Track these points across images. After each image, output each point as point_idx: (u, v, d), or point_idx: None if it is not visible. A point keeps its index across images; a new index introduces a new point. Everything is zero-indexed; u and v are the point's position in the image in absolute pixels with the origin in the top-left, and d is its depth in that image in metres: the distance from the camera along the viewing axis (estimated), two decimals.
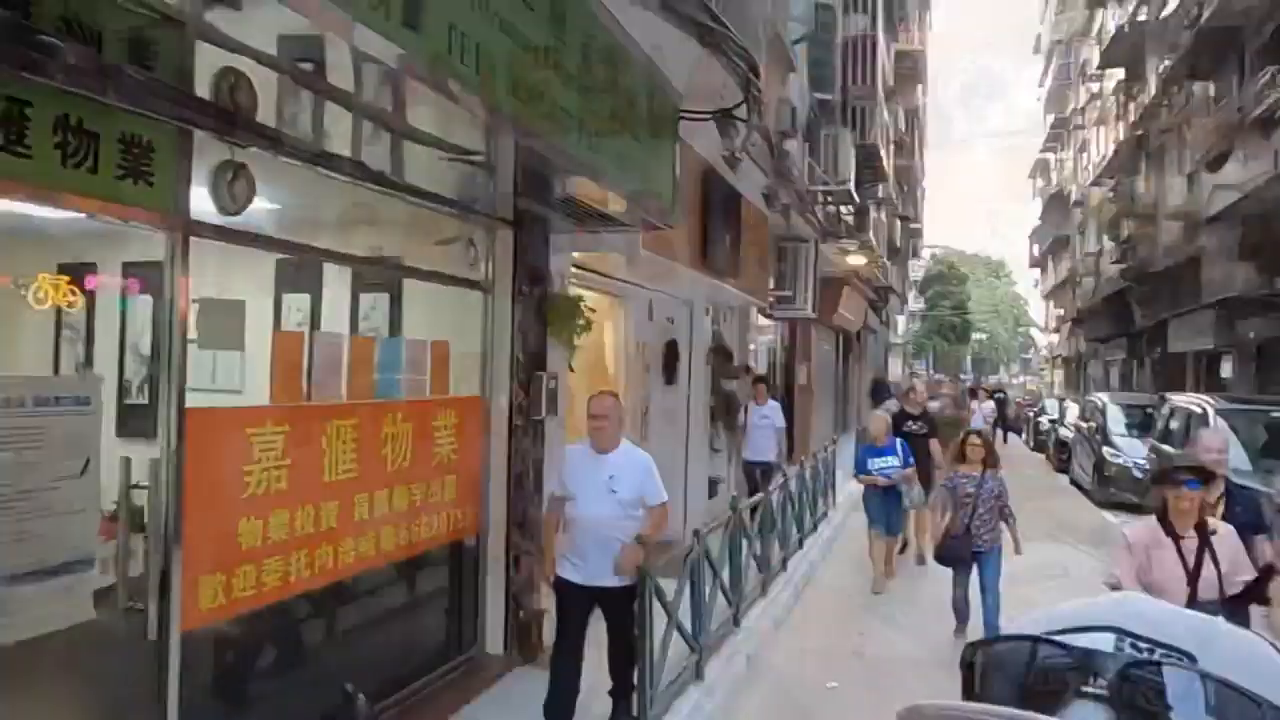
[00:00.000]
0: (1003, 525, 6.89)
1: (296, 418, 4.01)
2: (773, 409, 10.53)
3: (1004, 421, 21.90)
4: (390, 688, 4.81)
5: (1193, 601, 3.79)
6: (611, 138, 5.05)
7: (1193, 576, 3.89)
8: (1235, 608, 3.97)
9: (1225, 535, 4.02)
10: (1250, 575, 3.99)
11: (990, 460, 6.99)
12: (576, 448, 4.93)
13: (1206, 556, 3.91)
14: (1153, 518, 4.10)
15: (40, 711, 3.13)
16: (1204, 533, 3.96)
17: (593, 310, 6.32)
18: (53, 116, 2.85)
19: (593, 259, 7.02)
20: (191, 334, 3.38)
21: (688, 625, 5.51)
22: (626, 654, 4.77)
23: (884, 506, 8.65)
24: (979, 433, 7.57)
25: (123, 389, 3.91)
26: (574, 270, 6.69)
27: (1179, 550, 3.92)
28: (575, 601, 4.65)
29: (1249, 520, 4.60)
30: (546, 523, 5.04)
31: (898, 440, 8.71)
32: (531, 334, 5.79)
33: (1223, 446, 4.79)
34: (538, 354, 5.84)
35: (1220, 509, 4.51)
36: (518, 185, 5.59)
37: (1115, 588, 3.92)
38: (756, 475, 10.08)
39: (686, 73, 5.47)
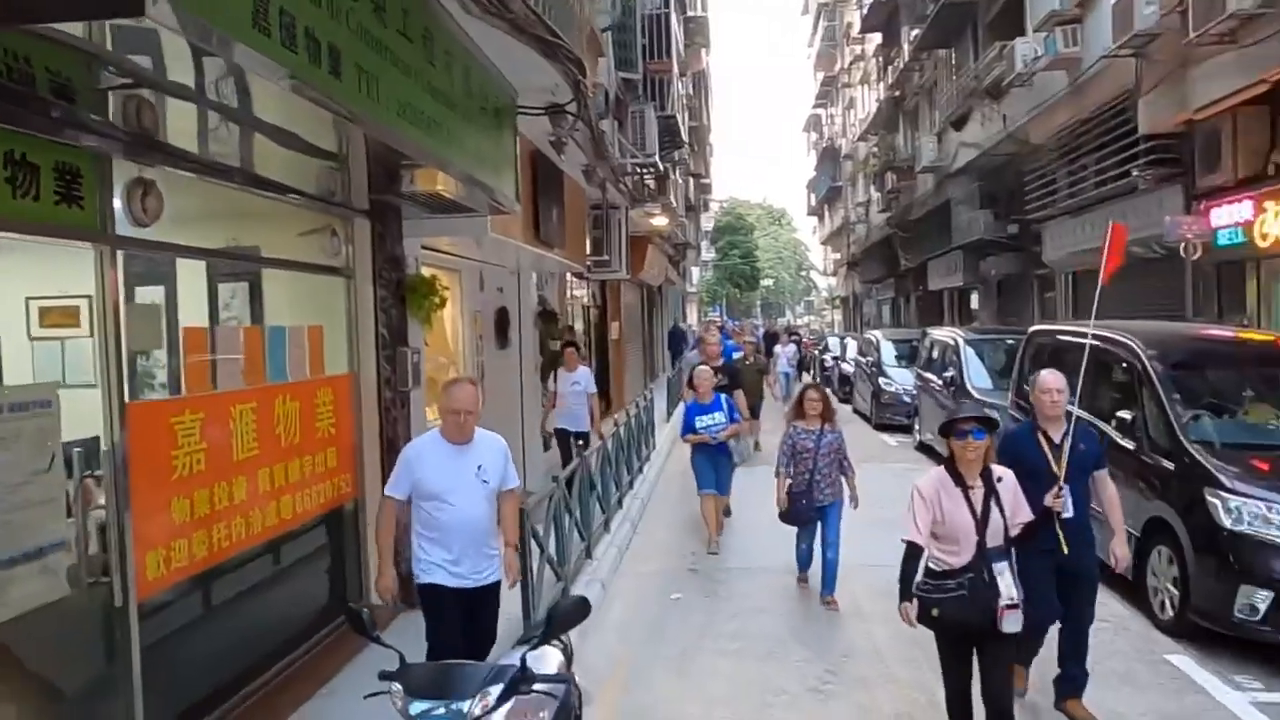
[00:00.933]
0: (842, 479, 6.86)
1: (209, 405, 4.46)
2: (583, 375, 10.11)
3: (802, 363, 23.95)
4: (299, 639, 5.39)
5: (981, 548, 3.90)
6: (459, 134, 5.64)
7: (981, 524, 3.91)
8: (1017, 547, 4.05)
9: (1008, 480, 4.06)
10: (1028, 517, 4.07)
11: (828, 414, 6.91)
12: (426, 442, 4.39)
13: (993, 503, 3.95)
14: (941, 468, 4.10)
15: (33, 675, 3.54)
16: (989, 480, 4.00)
17: (446, 288, 6.91)
18: (2, 153, 3.20)
19: (431, 237, 7.51)
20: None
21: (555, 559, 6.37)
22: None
23: (712, 465, 8.36)
24: (817, 386, 7.44)
25: None
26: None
27: (968, 499, 3.94)
28: (451, 608, 4.25)
29: (1093, 454, 4.74)
30: (384, 529, 4.35)
31: (721, 396, 8.45)
32: (393, 313, 6.34)
33: (1061, 387, 4.69)
34: (400, 331, 6.40)
35: (1066, 448, 4.59)
36: (371, 178, 6.09)
37: (912, 545, 3.98)
38: (571, 443, 9.54)
39: (524, 74, 6.14)
